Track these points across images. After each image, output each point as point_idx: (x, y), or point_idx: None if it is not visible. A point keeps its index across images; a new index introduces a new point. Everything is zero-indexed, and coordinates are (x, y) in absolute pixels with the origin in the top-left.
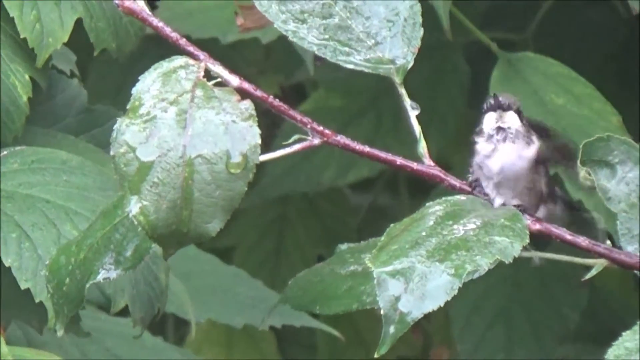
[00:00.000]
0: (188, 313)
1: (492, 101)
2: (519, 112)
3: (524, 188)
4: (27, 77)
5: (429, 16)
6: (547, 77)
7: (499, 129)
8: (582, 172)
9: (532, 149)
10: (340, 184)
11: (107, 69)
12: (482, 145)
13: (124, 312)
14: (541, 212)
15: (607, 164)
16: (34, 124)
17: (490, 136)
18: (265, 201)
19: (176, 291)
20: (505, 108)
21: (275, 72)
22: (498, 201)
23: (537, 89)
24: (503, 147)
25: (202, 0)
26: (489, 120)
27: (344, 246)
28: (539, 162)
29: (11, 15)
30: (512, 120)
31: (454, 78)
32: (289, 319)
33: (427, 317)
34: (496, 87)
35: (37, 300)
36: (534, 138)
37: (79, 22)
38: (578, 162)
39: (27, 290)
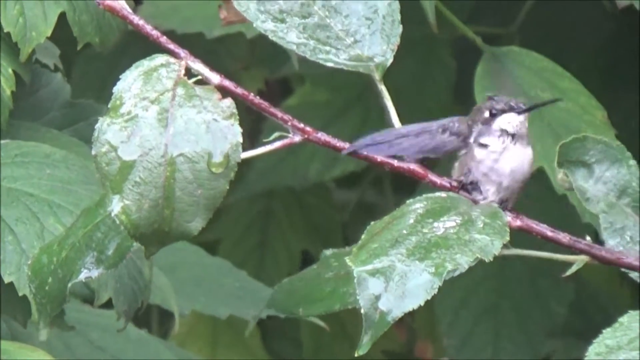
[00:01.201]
0: (172, 306)
1: (512, 103)
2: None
3: (520, 187)
4: (10, 71)
5: (415, 11)
6: (533, 71)
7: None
8: (560, 174)
9: (531, 150)
10: (326, 178)
11: (91, 64)
12: (493, 147)
13: (109, 304)
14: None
15: (583, 164)
16: (17, 118)
17: (504, 137)
18: (250, 195)
19: (160, 284)
20: (523, 111)
21: (260, 66)
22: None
23: (522, 84)
24: (514, 149)
25: None
26: (508, 121)
27: (328, 252)
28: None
29: None
30: (525, 123)
31: (440, 73)
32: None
33: (411, 313)
34: (481, 81)
35: (20, 294)
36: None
37: (62, 16)
38: (555, 164)
39: (11, 285)
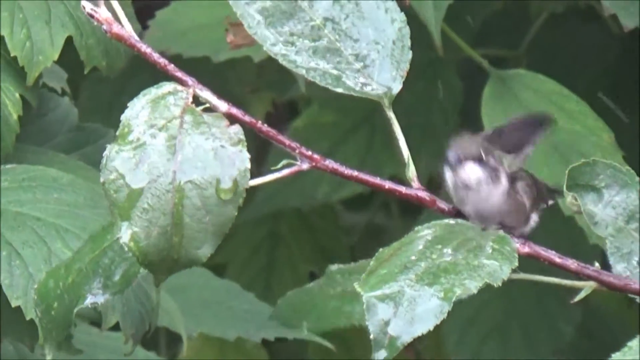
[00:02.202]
0: (180, 328)
1: (448, 157)
2: (479, 158)
3: (506, 212)
4: (17, 95)
5: (422, 34)
6: (539, 94)
7: (464, 184)
8: (569, 197)
9: (500, 187)
10: (333, 200)
11: (98, 88)
12: (453, 193)
13: (117, 326)
14: (529, 226)
15: (593, 188)
16: (24, 142)
17: (457, 188)
18: (257, 217)
19: (168, 307)
20: (461, 161)
21: (268, 89)
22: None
23: (528, 106)
24: (472, 194)
25: (193, 20)
26: (450, 177)
27: (334, 267)
28: (513, 184)
29: (1, 33)
30: (472, 172)
31: (447, 95)
32: (281, 332)
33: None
34: (487, 103)
35: (27, 318)
36: (502, 174)
37: (69, 40)
38: (564, 186)
39: (19, 308)
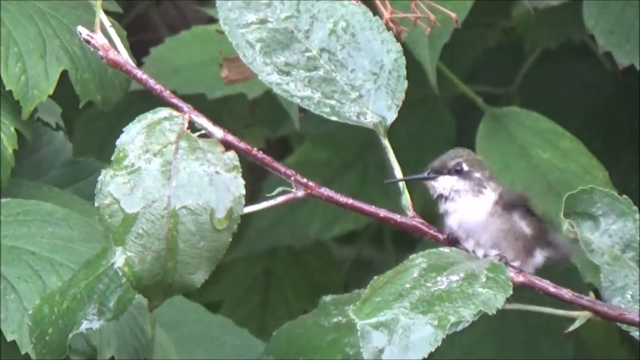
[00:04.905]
0: None
1: (426, 172)
2: (457, 170)
3: (498, 238)
4: (12, 129)
5: (416, 71)
6: (533, 131)
7: (440, 195)
8: (566, 224)
9: (483, 200)
10: (326, 237)
11: (92, 123)
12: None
13: None
14: (534, 260)
15: (590, 217)
16: (19, 176)
17: (439, 199)
18: (251, 256)
19: (162, 342)
20: (436, 172)
21: (260, 126)
22: (479, 252)
23: (522, 144)
24: (452, 206)
25: (187, 57)
26: (431, 188)
27: (328, 298)
28: (508, 210)
29: None
30: (446, 183)
31: (440, 132)
32: None
33: None
34: (482, 141)
35: (22, 352)
36: (487, 190)
37: (64, 74)
38: (561, 214)
39: (14, 342)
